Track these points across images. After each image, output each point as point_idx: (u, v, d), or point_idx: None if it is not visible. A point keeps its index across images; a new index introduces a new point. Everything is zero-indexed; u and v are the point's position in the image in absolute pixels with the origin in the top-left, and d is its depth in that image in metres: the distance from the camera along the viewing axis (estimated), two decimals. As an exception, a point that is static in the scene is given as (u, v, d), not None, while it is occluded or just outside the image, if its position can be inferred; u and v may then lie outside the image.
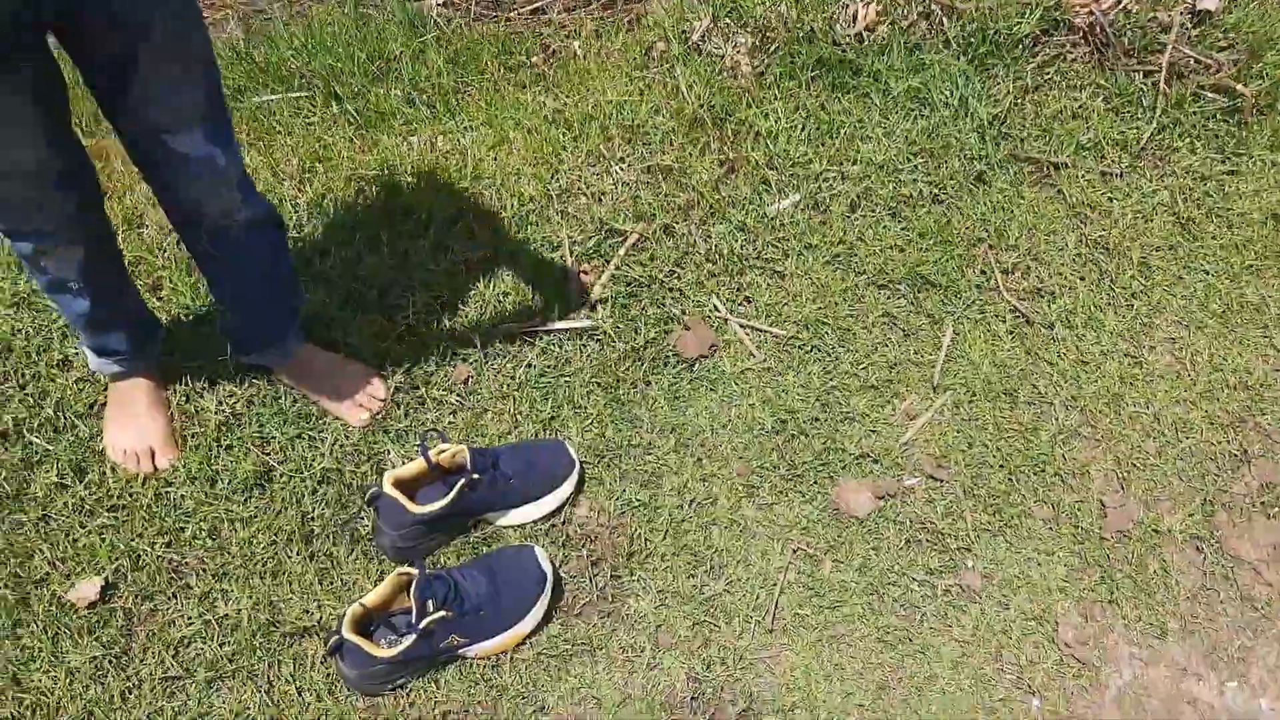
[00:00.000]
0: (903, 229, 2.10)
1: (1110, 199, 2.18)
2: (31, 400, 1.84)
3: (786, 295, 2.02)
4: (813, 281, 2.03)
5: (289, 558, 1.70)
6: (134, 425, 1.75)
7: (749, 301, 2.02)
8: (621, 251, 2.07)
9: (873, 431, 1.87)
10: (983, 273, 2.06)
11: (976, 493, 1.81)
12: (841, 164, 2.17)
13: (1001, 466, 1.83)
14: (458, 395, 1.89)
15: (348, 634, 1.53)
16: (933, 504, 1.79)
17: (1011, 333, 1.99)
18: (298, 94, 2.42)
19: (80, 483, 1.76)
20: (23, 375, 1.88)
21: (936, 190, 2.15)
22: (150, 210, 2.09)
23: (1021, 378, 1.94)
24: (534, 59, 2.55)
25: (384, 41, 2.54)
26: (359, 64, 2.47)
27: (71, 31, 1.27)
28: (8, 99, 1.24)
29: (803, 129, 2.22)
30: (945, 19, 2.34)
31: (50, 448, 1.79)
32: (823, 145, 2.20)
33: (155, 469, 1.76)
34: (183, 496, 1.75)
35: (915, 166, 2.16)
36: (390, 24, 2.63)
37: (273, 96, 2.39)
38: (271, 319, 1.76)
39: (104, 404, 1.82)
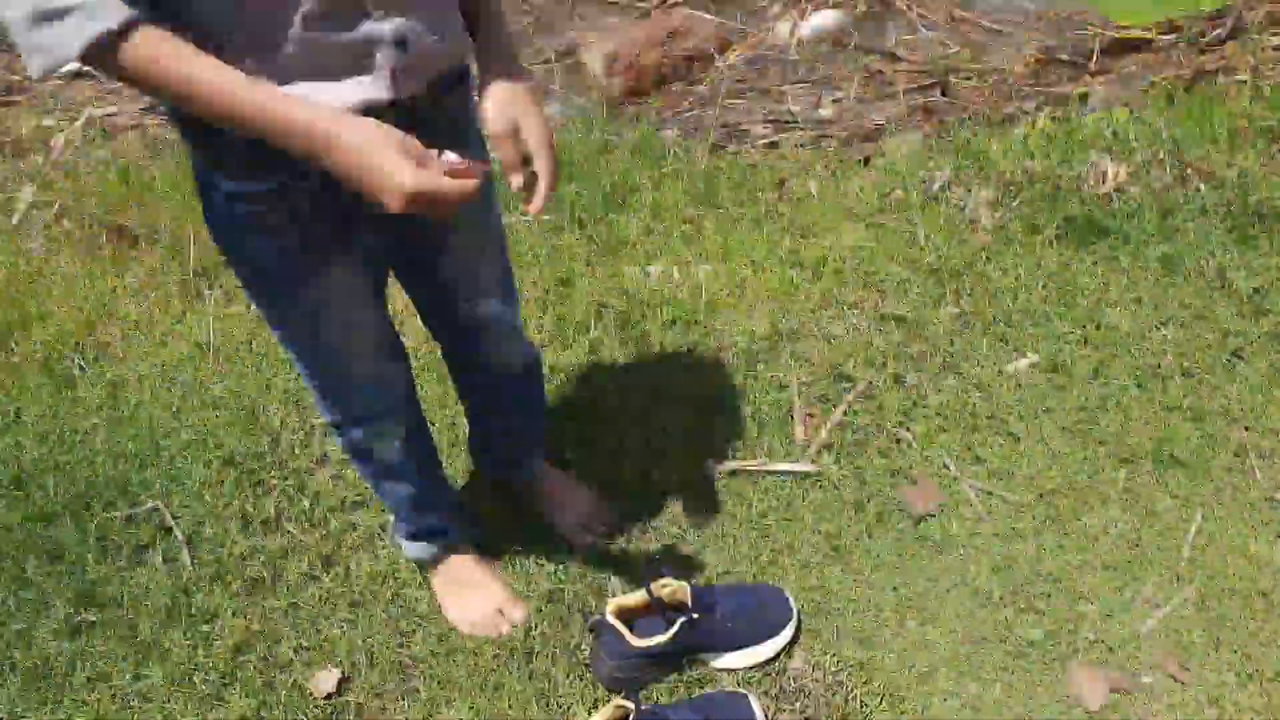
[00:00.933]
0: (1149, 401, 2.02)
1: (1383, 386, 2.03)
2: (291, 491, 2.00)
3: (1020, 459, 1.97)
4: (1049, 448, 1.98)
5: (510, 673, 1.75)
6: (473, 596, 1.79)
7: (980, 462, 1.98)
8: (850, 397, 2.08)
9: (1109, 615, 1.78)
10: (1236, 456, 1.95)
11: (1221, 703, 1.68)
12: (1084, 327, 2.12)
13: (1251, 678, 1.70)
14: (679, 528, 1.93)
15: (564, 762, 1.56)
16: (1173, 710, 1.68)
17: (1268, 524, 1.87)
18: (543, 217, 2.58)
19: (328, 575, 1.88)
20: (285, 467, 2.04)
21: (1188, 364, 2.06)
22: (410, 319, 2.25)
23: (1279, 579, 1.81)
24: (769, 195, 2.62)
25: (627, 171, 2.67)
26: (602, 191, 2.60)
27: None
28: (351, 275, 1.32)
29: (1044, 287, 2.19)
30: (1202, 185, 2.27)
31: (304, 539, 1.93)
32: (1065, 306, 2.16)
33: (514, 624, 1.79)
34: (417, 599, 1.84)
35: (1165, 337, 2.09)
36: (632, 153, 2.77)
37: (525, 219, 2.54)
38: (521, 445, 1.86)
39: (413, 584, 1.87)
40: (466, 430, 1.93)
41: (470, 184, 1.07)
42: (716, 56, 3.19)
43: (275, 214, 1.20)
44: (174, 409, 2.13)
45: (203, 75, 0.98)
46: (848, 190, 2.54)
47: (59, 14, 0.92)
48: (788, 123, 2.96)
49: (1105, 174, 2.33)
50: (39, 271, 2.52)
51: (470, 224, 1.41)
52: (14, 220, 2.70)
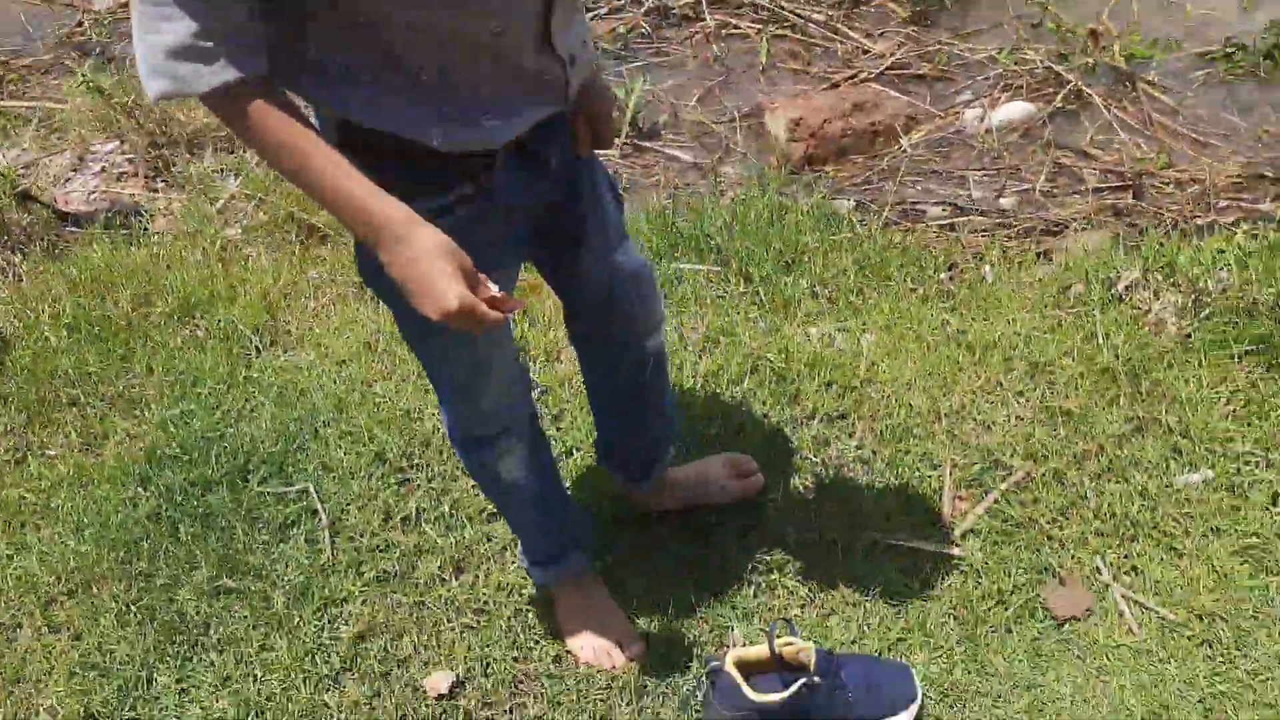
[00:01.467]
0: (1333, 537, 1.88)
1: None
2: (435, 493, 2.04)
3: (1181, 576, 1.86)
4: (1214, 569, 1.85)
5: (619, 705, 1.73)
6: (593, 626, 1.79)
7: (1136, 572, 1.88)
8: (1003, 486, 2.00)
9: (1265, 758, 1.64)
10: None
11: None
12: (1267, 451, 1.99)
13: None
14: (809, 590, 1.88)
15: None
16: None
17: None
18: (711, 268, 2.59)
19: (456, 580, 1.91)
20: (432, 469, 2.09)
21: (1382, 504, 1.91)
22: (568, 349, 2.30)
23: None
24: (941, 275, 2.58)
25: (799, 234, 2.67)
26: (772, 251, 2.60)
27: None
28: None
29: (1227, 404, 2.07)
30: None
31: (439, 541, 1.97)
32: (1247, 426, 2.04)
33: (628, 659, 1.78)
34: (540, 617, 1.85)
35: (1359, 472, 1.95)
36: (806, 218, 2.77)
37: (694, 266, 2.57)
38: (656, 448, 1.85)
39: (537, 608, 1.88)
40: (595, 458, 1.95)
41: (500, 318, 1.13)
42: (901, 134, 3.17)
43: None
44: (338, 400, 2.21)
45: (302, 145, 1.06)
46: (1024, 280, 2.47)
47: (204, 55, 0.99)
48: (966, 208, 2.91)
49: (1308, 295, 2.20)
50: (232, 256, 2.68)
51: (592, 199, 1.47)
52: (216, 207, 2.89)
